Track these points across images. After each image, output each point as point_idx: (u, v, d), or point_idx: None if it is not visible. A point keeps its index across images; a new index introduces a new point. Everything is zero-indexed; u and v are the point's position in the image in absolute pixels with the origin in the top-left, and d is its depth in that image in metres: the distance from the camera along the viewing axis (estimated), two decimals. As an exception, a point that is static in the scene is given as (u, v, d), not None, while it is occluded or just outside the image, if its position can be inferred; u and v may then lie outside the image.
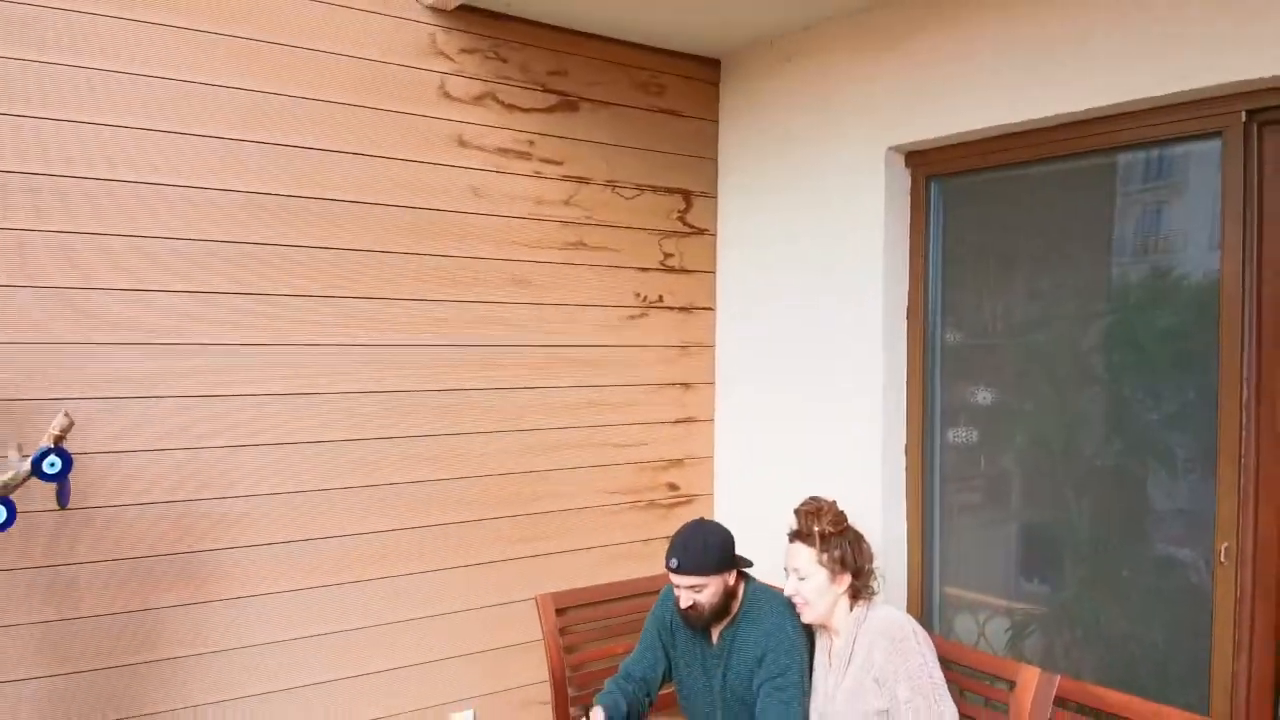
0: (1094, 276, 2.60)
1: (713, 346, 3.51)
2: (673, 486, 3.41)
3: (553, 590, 3.06)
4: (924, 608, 2.92)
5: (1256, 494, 2.16)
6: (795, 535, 2.32)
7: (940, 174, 2.83)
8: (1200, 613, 2.30)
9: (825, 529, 2.26)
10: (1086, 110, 2.38)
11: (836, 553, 2.24)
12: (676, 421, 3.43)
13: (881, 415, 2.89)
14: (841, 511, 2.36)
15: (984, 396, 2.86)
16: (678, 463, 3.43)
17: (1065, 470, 2.66)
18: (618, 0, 2.86)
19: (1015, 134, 2.59)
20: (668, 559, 2.36)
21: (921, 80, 2.73)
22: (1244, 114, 2.17)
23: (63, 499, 2.11)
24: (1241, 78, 2.08)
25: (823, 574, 2.24)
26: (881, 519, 2.88)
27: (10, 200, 2.26)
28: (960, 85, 2.63)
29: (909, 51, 2.77)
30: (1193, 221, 2.41)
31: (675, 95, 3.36)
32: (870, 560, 2.31)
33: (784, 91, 3.19)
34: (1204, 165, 2.33)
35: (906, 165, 2.88)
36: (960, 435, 2.90)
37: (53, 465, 2.07)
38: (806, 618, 2.29)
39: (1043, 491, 2.75)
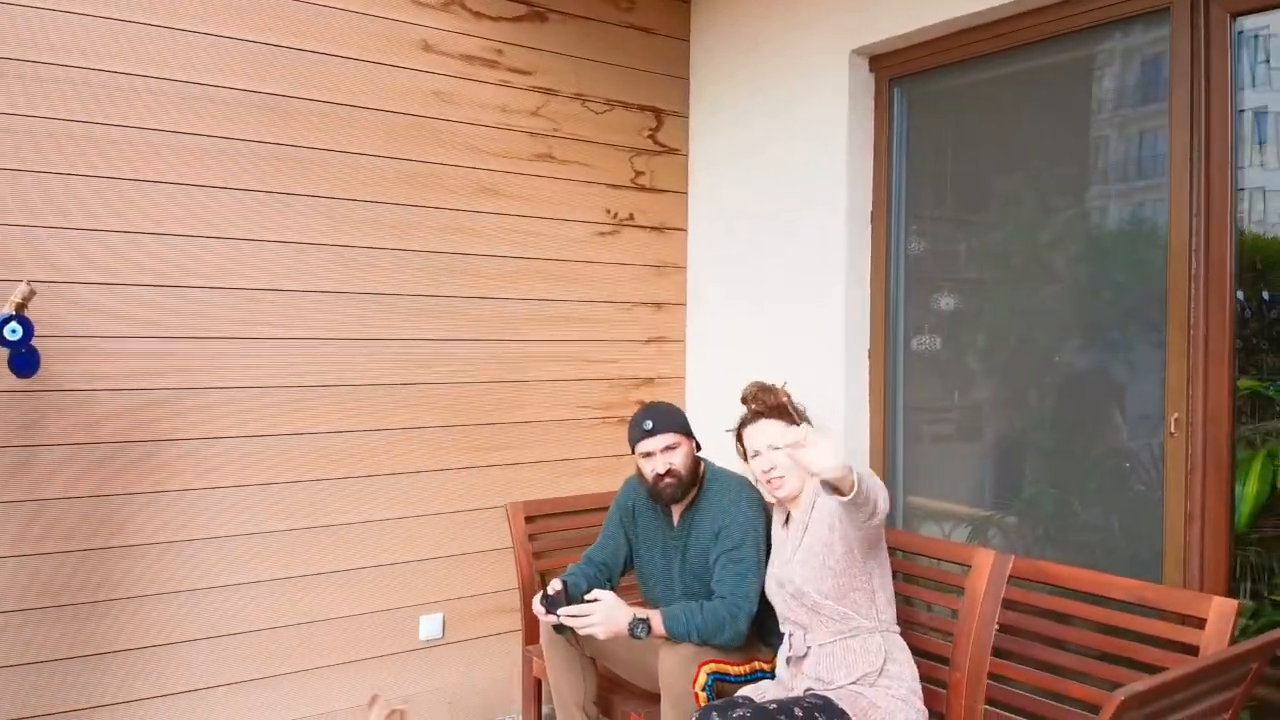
0: (1052, 175, 2.62)
1: (684, 268, 3.53)
2: (643, 404, 3.43)
3: (522, 499, 3.09)
4: (888, 517, 2.93)
5: (1205, 362, 2.17)
6: (758, 414, 2.33)
7: (902, 75, 2.84)
8: (1154, 493, 2.31)
9: (784, 400, 2.28)
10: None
11: (801, 422, 2.20)
12: (648, 341, 3.45)
13: (844, 323, 2.91)
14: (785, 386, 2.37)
15: (947, 302, 2.88)
16: (648, 381, 3.45)
17: (1028, 373, 2.67)
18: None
19: (973, 28, 2.60)
20: (639, 425, 2.39)
21: (882, -21, 2.75)
22: (1191, -13, 2.19)
23: (21, 364, 2.14)
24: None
25: None
26: (845, 427, 2.89)
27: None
28: (919, -19, 2.65)
29: (871, -48, 2.79)
30: (1143, 113, 2.44)
31: (645, 11, 3.38)
32: None
33: (753, 2, 3.20)
34: (1152, 58, 2.35)
35: (870, 69, 2.90)
36: (924, 341, 2.92)
37: (14, 332, 2.10)
38: (783, 491, 2.26)
39: (1006, 396, 2.76)
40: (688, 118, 3.50)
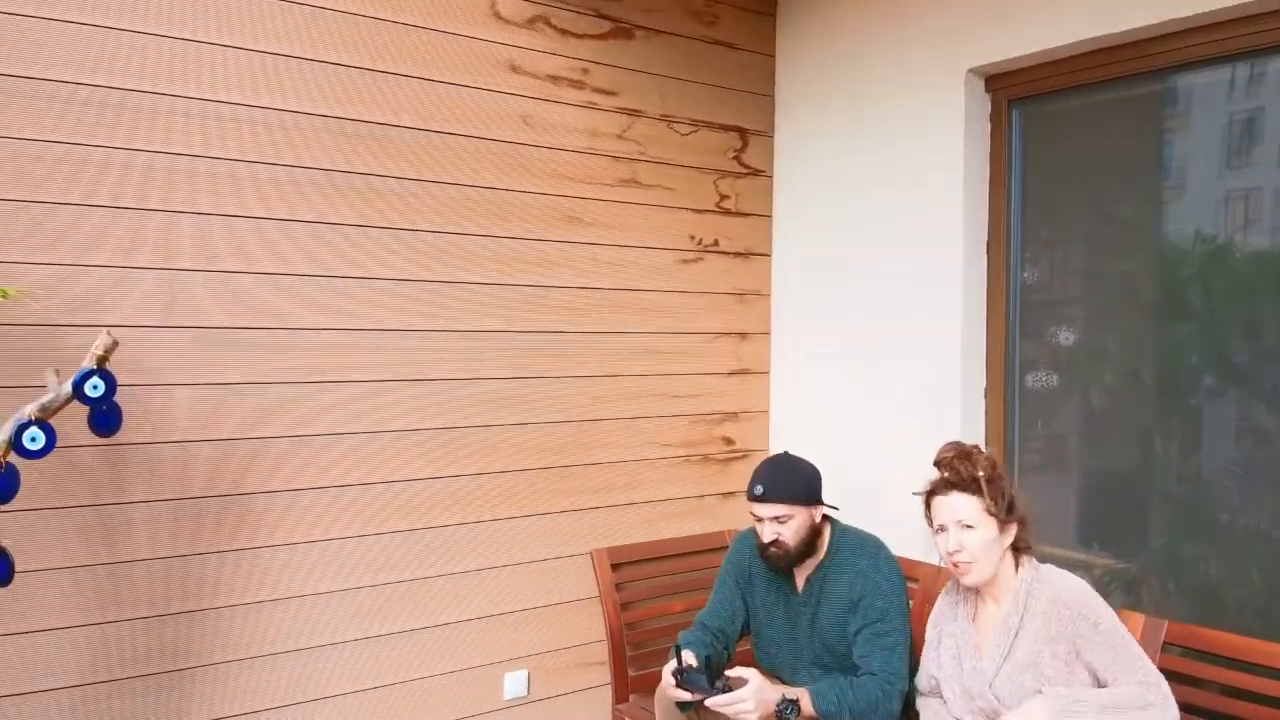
0: (1182, 204, 2.44)
1: (769, 295, 3.35)
2: (728, 441, 3.25)
3: (606, 545, 2.91)
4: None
5: (1393, 417, 1.99)
6: (949, 485, 2.00)
7: (1023, 97, 2.66)
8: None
9: (988, 473, 1.94)
10: (1180, 19, 2.22)
11: (1004, 499, 1.93)
12: (731, 373, 3.27)
13: (960, 359, 2.73)
14: (988, 453, 2.04)
15: (1066, 336, 2.70)
16: (733, 416, 3.27)
17: (1153, 411, 2.49)
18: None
19: (1102, 49, 2.43)
20: (751, 487, 2.20)
21: (1005, -6, 2.58)
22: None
23: (103, 423, 1.95)
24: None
25: (992, 524, 1.93)
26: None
27: (59, 110, 2.10)
28: (1048, -3, 2.48)
29: (989, -35, 2.61)
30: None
31: (729, 26, 3.19)
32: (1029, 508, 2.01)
33: (848, 17, 3.03)
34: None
35: (987, 89, 2.72)
36: (1041, 378, 2.74)
37: (95, 388, 1.91)
38: (970, 578, 1.97)
39: (1131, 439, 2.58)
40: (772, 138, 3.32)
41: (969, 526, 1.93)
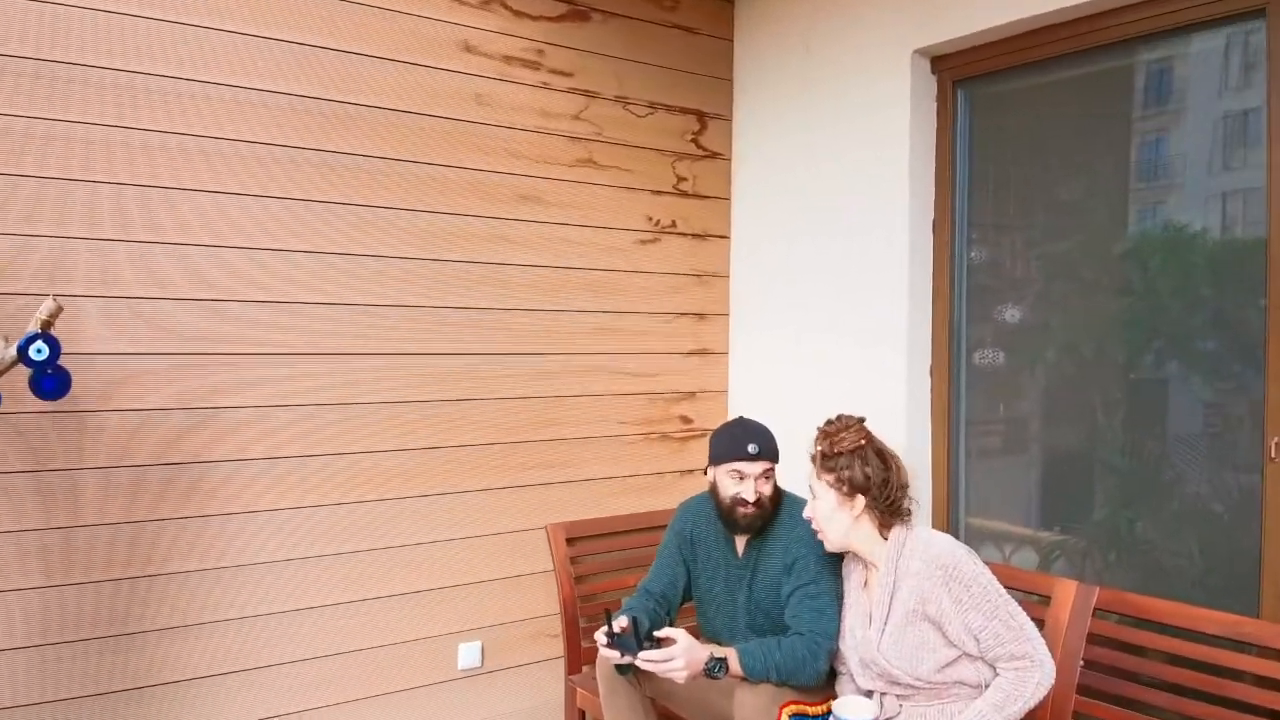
0: (1123, 182, 2.49)
1: (727, 276, 3.39)
2: (685, 420, 3.30)
3: (563, 520, 2.96)
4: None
5: (1311, 384, 2.04)
6: (811, 456, 2.12)
7: (966, 78, 2.71)
8: (1247, 519, 2.19)
9: (829, 448, 2.04)
10: (1119, -5, 2.27)
11: (845, 473, 2.01)
12: (690, 353, 3.31)
13: (905, 337, 2.77)
14: (862, 428, 2.09)
15: (1012, 314, 2.75)
16: (690, 395, 3.32)
17: (1096, 388, 2.54)
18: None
19: (1044, 28, 2.47)
20: (743, 445, 2.22)
21: (948, -23, 2.62)
22: (1293, -13, 2.06)
23: (50, 386, 1.99)
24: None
25: (831, 495, 2.03)
26: (906, 447, 2.75)
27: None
28: (989, -22, 2.52)
29: (935, -52, 2.65)
30: (1225, 115, 2.31)
31: (689, 10, 3.24)
32: (896, 481, 2.06)
33: (803, 1, 3.07)
34: (1234, 54, 2.22)
35: (932, 71, 2.76)
36: (987, 355, 2.79)
37: (40, 351, 1.95)
38: (826, 546, 2.09)
39: (1074, 414, 2.63)
40: (731, 120, 3.36)
41: (814, 496, 2.07)
